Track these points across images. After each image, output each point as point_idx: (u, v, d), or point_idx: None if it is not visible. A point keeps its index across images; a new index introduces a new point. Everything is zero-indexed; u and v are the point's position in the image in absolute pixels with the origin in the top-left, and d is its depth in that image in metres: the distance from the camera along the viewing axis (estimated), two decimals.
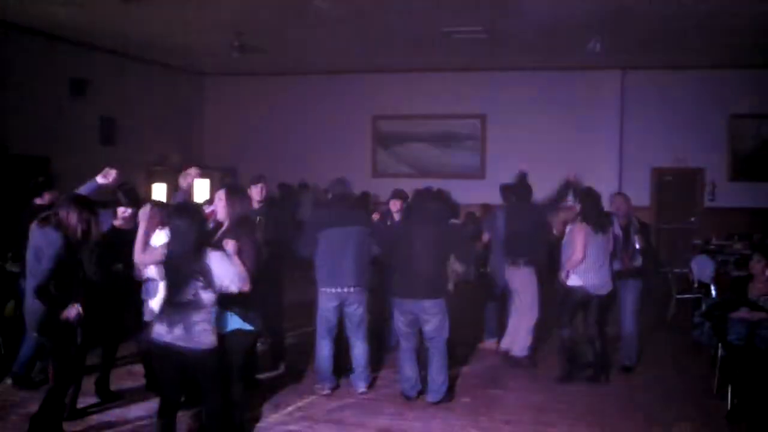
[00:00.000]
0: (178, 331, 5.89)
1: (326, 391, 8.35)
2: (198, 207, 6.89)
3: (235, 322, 6.52)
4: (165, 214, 6.46)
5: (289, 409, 7.88)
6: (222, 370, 6.27)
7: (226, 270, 6.00)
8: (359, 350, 8.36)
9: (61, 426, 6.77)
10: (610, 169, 17.56)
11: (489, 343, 10.27)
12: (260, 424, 7.38)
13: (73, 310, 6.39)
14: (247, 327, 6.61)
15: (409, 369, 8.12)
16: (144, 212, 6.55)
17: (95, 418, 7.53)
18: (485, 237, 10.17)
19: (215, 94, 20.41)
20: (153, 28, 14.17)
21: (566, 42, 14.53)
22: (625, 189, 15.00)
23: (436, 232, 7.97)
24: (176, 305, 5.89)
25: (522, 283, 9.56)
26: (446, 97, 18.45)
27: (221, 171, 18.81)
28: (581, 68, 17.29)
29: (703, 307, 9.79)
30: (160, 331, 5.96)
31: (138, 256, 6.21)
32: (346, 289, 8.12)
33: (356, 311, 8.22)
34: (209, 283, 5.90)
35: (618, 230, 9.01)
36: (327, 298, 8.21)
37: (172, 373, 6.12)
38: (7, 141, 13.65)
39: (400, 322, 8.06)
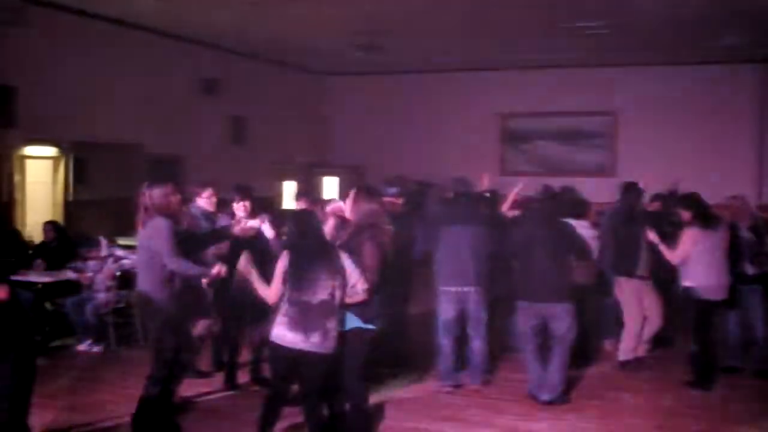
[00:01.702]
0: (315, 339, 5.92)
1: (448, 389, 8.32)
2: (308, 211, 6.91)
3: (354, 321, 6.46)
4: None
5: (414, 407, 7.88)
6: (336, 369, 6.33)
7: (353, 270, 6.05)
8: (477, 347, 8.31)
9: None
10: (748, 168, 16.96)
11: (608, 344, 10.02)
12: (385, 422, 7.40)
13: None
14: (368, 326, 6.58)
15: (535, 369, 8.02)
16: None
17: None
18: None
19: (342, 93, 20.63)
20: (281, 29, 14.42)
21: (699, 35, 14.12)
22: (765, 187, 14.56)
23: (554, 234, 7.86)
24: (308, 309, 5.93)
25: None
26: (575, 94, 18.19)
27: (348, 170, 19.05)
28: (717, 62, 16.76)
29: None
30: (295, 340, 5.93)
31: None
32: (466, 289, 8.08)
33: (476, 310, 8.16)
34: (343, 283, 5.95)
35: (745, 233, 8.69)
36: (447, 298, 8.19)
37: (287, 371, 6.15)
38: (143, 141, 14.11)
39: (526, 325, 7.96)
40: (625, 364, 9.23)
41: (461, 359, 8.60)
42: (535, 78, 18.43)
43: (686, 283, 8.50)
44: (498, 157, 19.15)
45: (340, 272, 5.99)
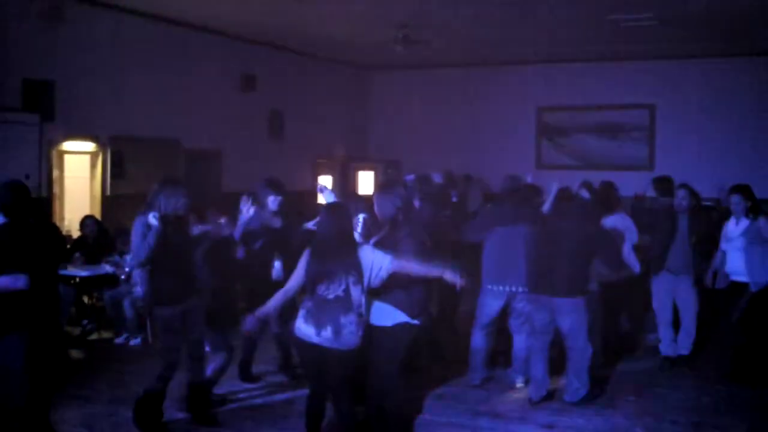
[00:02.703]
0: (326, 333, 5.89)
1: (476, 383, 8.30)
2: (344, 204, 6.87)
3: (399, 316, 6.44)
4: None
5: (451, 402, 7.87)
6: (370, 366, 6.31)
7: (372, 261, 5.99)
8: (520, 345, 8.25)
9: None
10: None
11: (651, 339, 9.92)
12: (423, 417, 7.39)
13: None
14: (413, 322, 6.54)
15: (537, 370, 7.87)
16: None
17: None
18: None
19: (379, 87, 20.61)
20: (320, 24, 14.40)
21: (743, 26, 13.91)
22: None
23: (581, 231, 7.68)
24: (324, 303, 5.92)
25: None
26: (612, 87, 17.99)
27: (385, 164, 19.03)
28: (759, 54, 16.51)
29: None
30: (308, 332, 5.95)
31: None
32: (514, 289, 8.02)
33: (523, 309, 8.09)
34: (360, 278, 5.91)
35: None
36: (493, 296, 8.13)
37: (316, 369, 6.12)
38: (181, 136, 14.19)
39: (535, 319, 7.87)
40: (666, 360, 9.14)
41: (506, 357, 8.59)
42: (572, 71, 18.27)
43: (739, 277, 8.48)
44: (535, 151, 19.02)
45: (356, 268, 5.93)
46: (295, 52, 17.22)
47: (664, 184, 9.94)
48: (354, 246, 6.05)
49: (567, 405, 7.72)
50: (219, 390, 7.69)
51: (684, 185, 9.12)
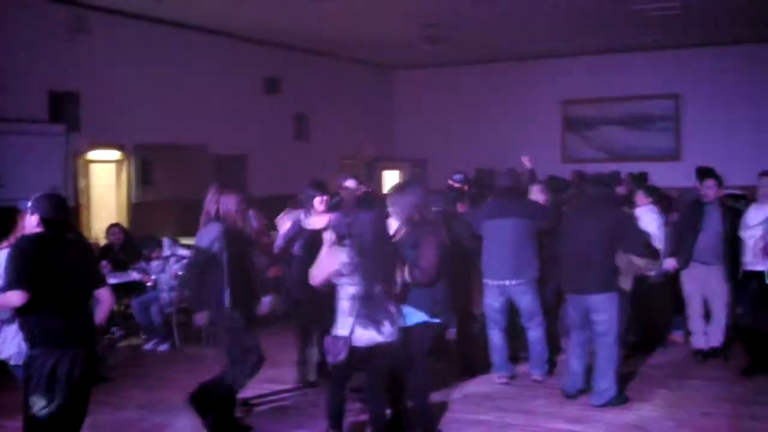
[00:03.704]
0: (386, 329, 5.92)
1: (503, 380, 8.26)
2: (375, 199, 6.87)
3: (420, 316, 6.44)
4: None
5: (479, 399, 7.83)
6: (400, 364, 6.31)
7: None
8: (533, 338, 8.24)
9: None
10: None
11: (677, 335, 9.82)
12: (449, 415, 7.35)
13: None
14: (434, 321, 6.53)
15: (574, 364, 7.77)
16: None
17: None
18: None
19: (405, 86, 20.61)
20: (343, 25, 14.43)
21: None
22: None
23: (603, 221, 7.49)
24: (372, 300, 5.92)
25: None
26: (637, 78, 17.86)
27: (411, 163, 19.02)
28: None
29: None
30: (372, 337, 5.93)
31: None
32: (507, 282, 8.01)
33: (523, 302, 8.09)
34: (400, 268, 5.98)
35: None
36: (490, 290, 8.17)
37: (348, 366, 6.15)
38: (207, 142, 14.26)
39: (572, 314, 7.78)
40: (698, 353, 9.02)
41: (524, 350, 8.56)
42: (597, 63, 18.17)
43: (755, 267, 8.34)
44: (560, 145, 18.93)
45: (398, 257, 5.98)
46: (319, 54, 17.24)
47: (704, 174, 9.73)
48: (390, 237, 6.05)
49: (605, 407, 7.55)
50: (247, 393, 7.67)
51: (712, 174, 9.01)
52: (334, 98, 17.95)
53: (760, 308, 8.42)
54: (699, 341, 9.01)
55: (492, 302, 8.19)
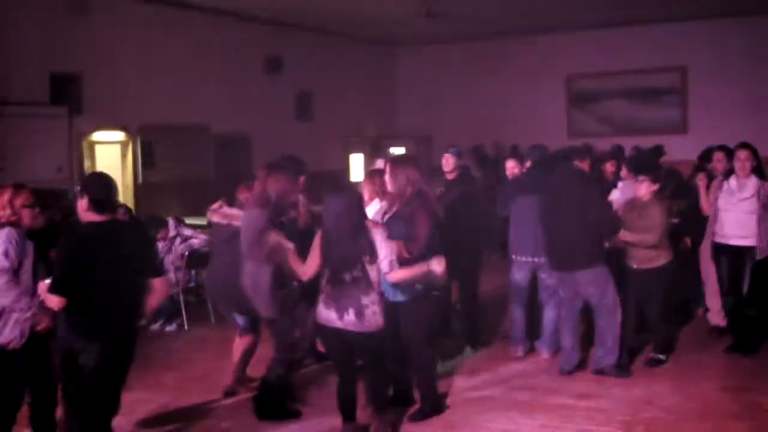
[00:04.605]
0: (349, 317, 5.81)
1: (519, 354, 8.26)
2: (352, 183, 6.76)
3: (414, 290, 6.33)
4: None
5: (484, 375, 7.81)
6: (389, 344, 6.23)
7: (381, 244, 5.88)
8: (549, 316, 8.17)
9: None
10: None
11: (701, 311, 9.69)
12: (454, 391, 7.33)
13: None
14: (432, 293, 6.46)
15: (566, 340, 7.73)
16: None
17: None
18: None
19: (408, 63, 20.54)
20: (343, 2, 14.34)
21: None
22: None
23: (573, 194, 7.43)
24: (342, 286, 5.83)
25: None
26: (642, 51, 17.79)
27: (415, 139, 18.96)
28: None
29: None
30: (329, 317, 5.88)
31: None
32: (537, 259, 7.95)
33: (549, 279, 8.00)
34: (375, 258, 5.81)
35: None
36: (519, 267, 8.13)
37: (342, 354, 6.09)
38: (210, 122, 14.22)
39: (561, 290, 7.76)
40: (714, 330, 8.88)
41: (535, 328, 8.53)
42: (600, 37, 18.07)
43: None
44: (566, 119, 18.85)
45: (371, 247, 5.81)
46: (321, 32, 17.18)
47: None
48: (365, 227, 5.92)
49: (603, 375, 7.58)
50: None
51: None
52: (337, 77, 17.89)
53: (756, 288, 8.26)
54: (716, 318, 8.92)
55: (519, 278, 8.17)
